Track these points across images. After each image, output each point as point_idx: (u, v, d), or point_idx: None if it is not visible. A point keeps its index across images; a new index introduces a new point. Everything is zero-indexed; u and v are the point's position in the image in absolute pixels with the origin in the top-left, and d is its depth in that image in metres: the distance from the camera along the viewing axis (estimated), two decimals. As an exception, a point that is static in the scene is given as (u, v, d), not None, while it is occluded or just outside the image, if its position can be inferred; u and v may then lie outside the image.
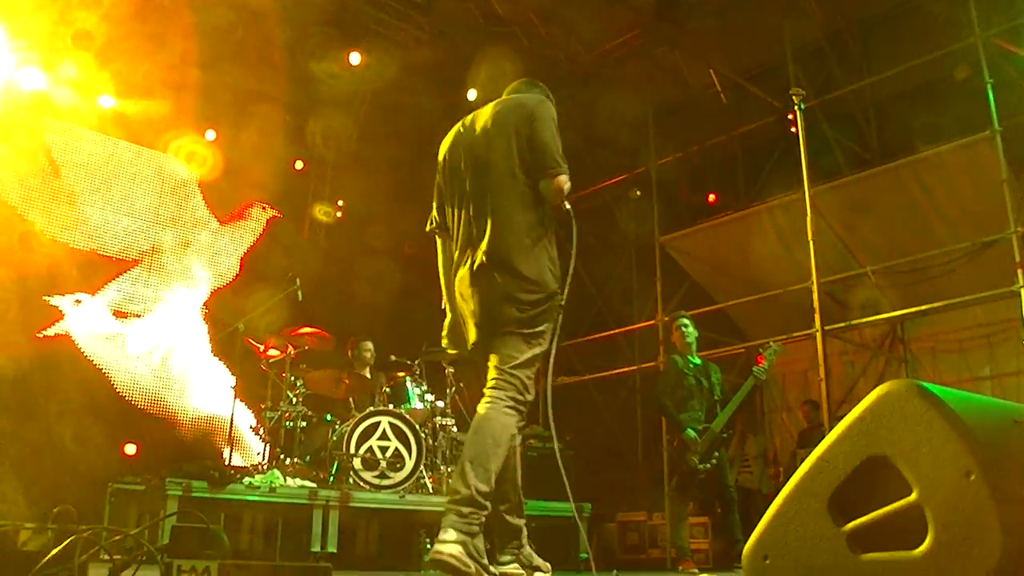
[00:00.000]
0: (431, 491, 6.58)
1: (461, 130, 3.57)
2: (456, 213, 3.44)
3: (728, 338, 10.06)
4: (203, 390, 9.19)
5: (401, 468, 6.48)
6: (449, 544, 2.98)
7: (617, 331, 10.49)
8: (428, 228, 3.61)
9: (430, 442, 6.88)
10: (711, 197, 10.62)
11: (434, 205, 3.57)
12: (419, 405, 7.16)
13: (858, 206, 8.51)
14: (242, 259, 10.11)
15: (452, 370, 7.35)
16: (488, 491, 3.07)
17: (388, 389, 7.25)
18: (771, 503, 2.14)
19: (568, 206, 3.35)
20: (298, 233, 11.06)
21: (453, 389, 7.30)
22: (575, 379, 10.51)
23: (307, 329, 7.03)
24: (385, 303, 9.67)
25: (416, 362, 7.41)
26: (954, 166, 7.76)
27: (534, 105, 3.42)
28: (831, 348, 8.33)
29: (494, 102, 3.56)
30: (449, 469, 6.89)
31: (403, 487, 6.40)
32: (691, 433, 6.32)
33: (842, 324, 8.71)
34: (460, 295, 3.42)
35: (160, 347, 9.24)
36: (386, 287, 9.92)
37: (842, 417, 2.11)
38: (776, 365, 6.65)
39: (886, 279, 8.57)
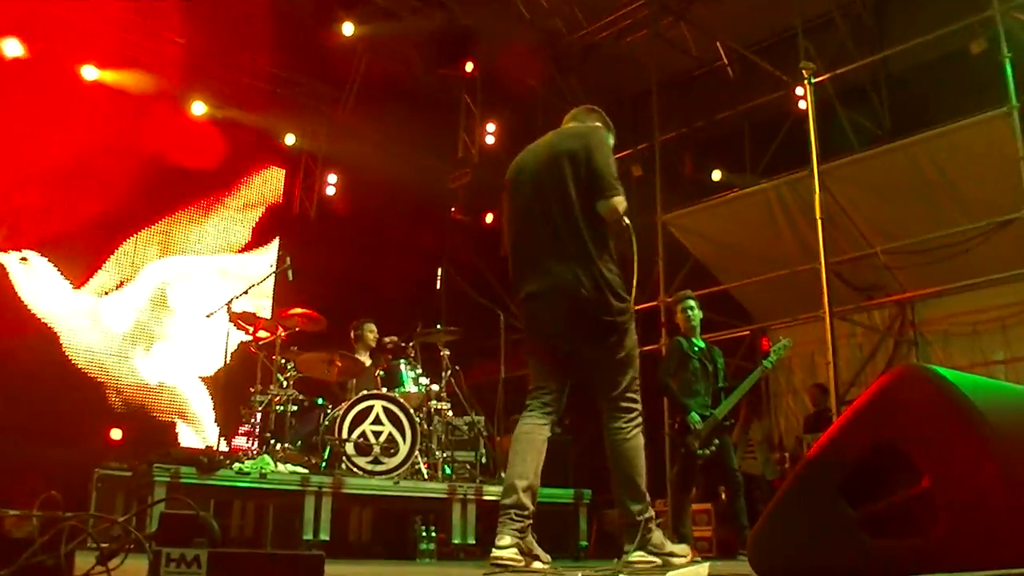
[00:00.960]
0: (426, 477, 6.58)
1: (527, 156, 3.85)
2: (525, 228, 3.72)
3: (732, 320, 10.12)
4: (164, 362, 9.48)
5: (395, 453, 6.48)
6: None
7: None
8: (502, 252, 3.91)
9: (425, 427, 6.87)
10: (716, 174, 10.60)
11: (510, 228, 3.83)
12: (413, 389, 7.14)
13: (869, 184, 8.51)
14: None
15: (447, 352, 7.33)
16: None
17: (382, 372, 7.24)
18: (776, 490, 2.16)
19: (627, 221, 3.64)
20: (288, 210, 11.08)
21: (448, 372, 7.29)
22: None
23: (297, 310, 7.01)
24: (378, 284, 9.81)
25: (411, 344, 7.43)
26: (969, 143, 7.77)
27: (589, 133, 3.74)
28: (839, 330, 8.38)
29: (556, 130, 3.88)
30: (444, 454, 6.93)
31: (397, 473, 6.40)
32: (695, 417, 6.33)
33: (851, 306, 8.82)
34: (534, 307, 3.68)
35: (128, 315, 9.44)
36: (379, 267, 10.04)
37: (851, 402, 2.13)
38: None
39: (897, 260, 8.59)
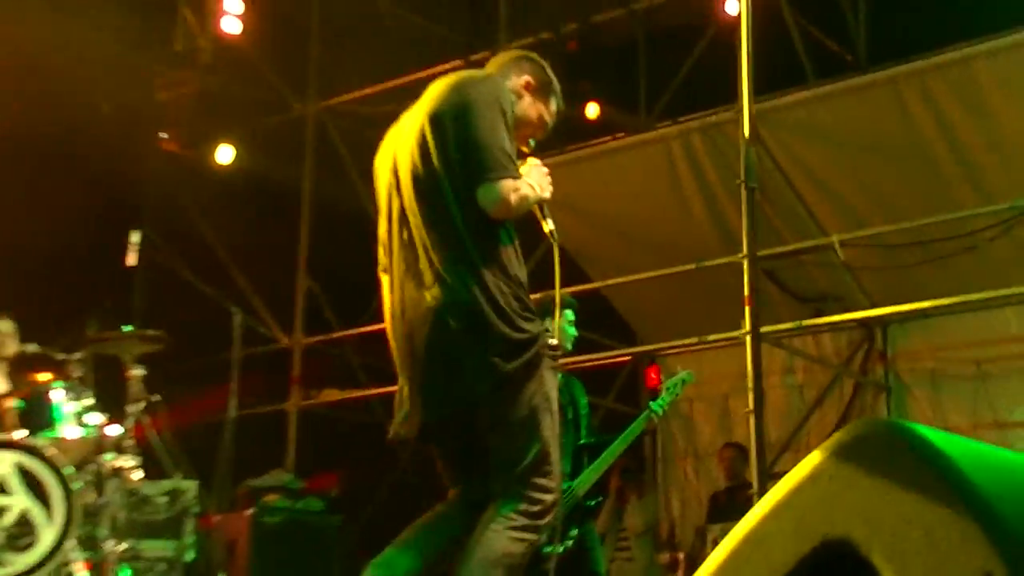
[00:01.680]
0: (87, 587, 6.53)
1: (395, 128, 4.10)
2: (390, 241, 4.00)
3: (606, 339, 10.20)
4: None
5: (30, 546, 6.15)
6: None
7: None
8: (379, 268, 4.14)
9: (91, 499, 6.64)
10: (592, 109, 10.53)
11: (380, 233, 4.10)
12: (75, 432, 6.84)
13: (828, 137, 8.67)
14: None
15: (141, 372, 7.12)
16: None
17: (21, 402, 6.88)
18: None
19: (550, 226, 3.94)
20: None
21: (141, 406, 7.10)
22: (338, 397, 11.25)
23: None
24: (22, 254, 9.55)
25: (75, 356, 7.06)
26: (985, 80, 7.86)
27: (470, 84, 3.92)
28: (771, 362, 8.53)
29: (431, 88, 4.06)
30: (123, 546, 6.76)
31: (33, 581, 6.31)
32: None
33: (789, 325, 8.77)
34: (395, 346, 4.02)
35: None
36: (24, 226, 9.67)
37: (783, 474, 2.14)
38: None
39: (864, 256, 8.68)
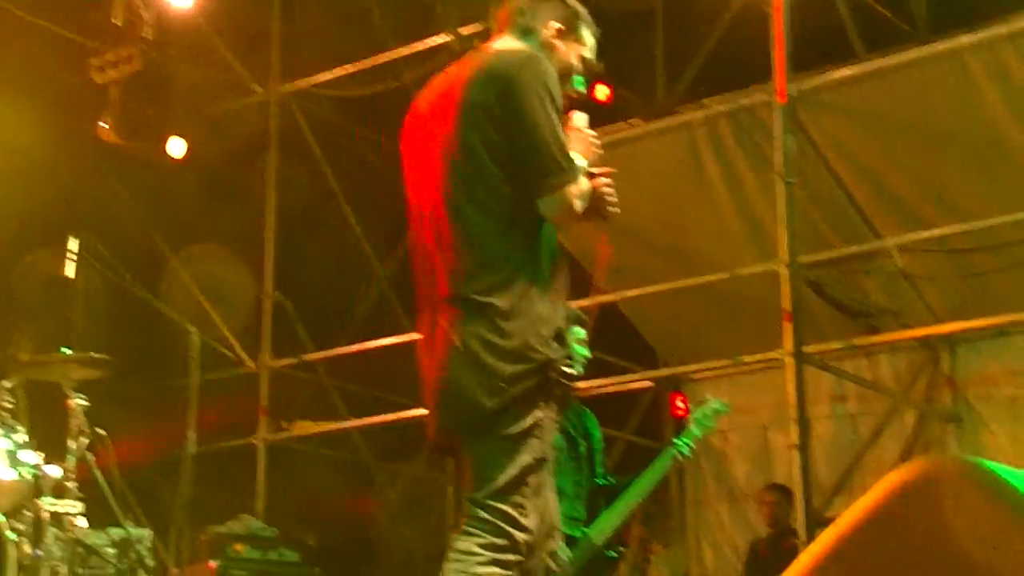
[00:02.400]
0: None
1: (421, 100, 4.12)
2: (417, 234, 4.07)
3: (623, 361, 10.26)
4: None
5: None
6: None
7: (395, 341, 10.66)
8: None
9: (26, 549, 6.66)
10: (602, 91, 10.38)
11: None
12: (8, 473, 6.82)
13: (880, 121, 8.65)
14: None
15: (83, 401, 7.19)
16: None
17: None
18: None
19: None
20: None
21: (84, 441, 7.16)
22: (314, 430, 11.21)
23: None
24: None
25: (8, 385, 7.08)
26: None
27: (512, 67, 3.84)
28: (817, 388, 8.75)
29: (462, 60, 4.09)
30: None
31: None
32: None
33: (838, 344, 8.92)
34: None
35: None
36: None
37: (833, 520, 2.28)
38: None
39: (926, 263, 8.73)
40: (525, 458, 3.76)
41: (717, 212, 9.42)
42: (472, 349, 3.74)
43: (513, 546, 3.69)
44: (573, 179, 3.76)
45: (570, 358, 3.88)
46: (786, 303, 7.53)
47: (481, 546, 3.64)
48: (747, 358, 8.94)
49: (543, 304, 3.81)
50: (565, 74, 3.96)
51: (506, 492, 3.72)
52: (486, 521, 3.68)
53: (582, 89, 4.05)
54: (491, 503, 3.71)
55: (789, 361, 7.58)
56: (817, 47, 8.76)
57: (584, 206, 3.83)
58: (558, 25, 4.00)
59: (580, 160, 3.85)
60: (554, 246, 3.90)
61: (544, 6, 4.10)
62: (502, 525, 3.68)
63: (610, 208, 3.95)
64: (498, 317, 3.75)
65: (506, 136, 3.75)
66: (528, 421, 3.76)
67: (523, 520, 3.71)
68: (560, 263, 3.94)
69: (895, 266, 8.44)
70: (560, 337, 3.85)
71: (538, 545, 3.81)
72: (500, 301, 3.76)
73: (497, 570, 3.66)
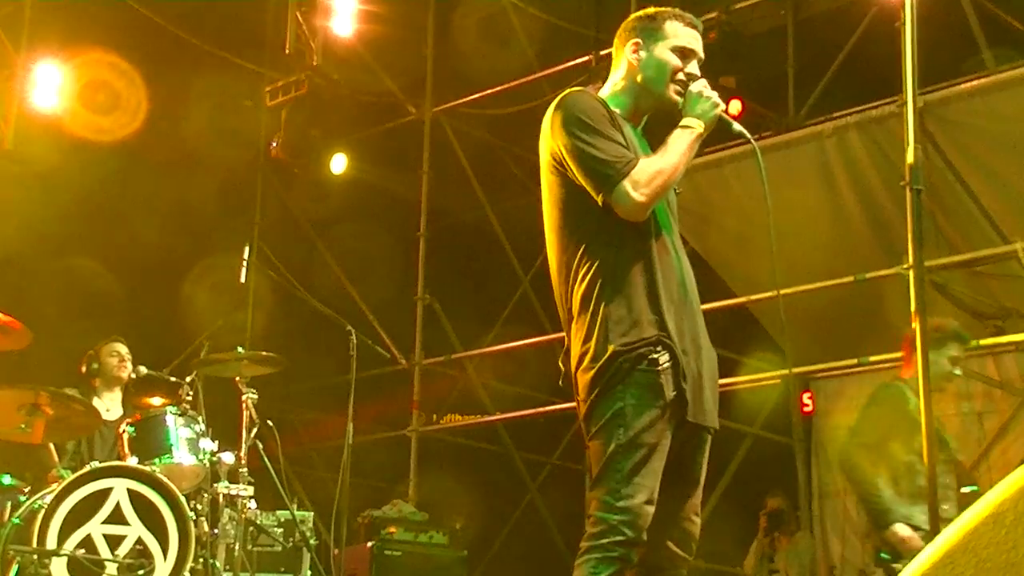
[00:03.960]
0: (205, 623, 6.61)
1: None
2: None
3: (753, 359, 10.16)
4: None
5: (148, 575, 6.29)
6: None
7: (537, 340, 10.88)
8: None
9: (204, 528, 6.83)
10: (734, 106, 9.93)
11: None
12: (189, 460, 7.04)
13: (1009, 130, 8.52)
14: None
15: (254, 396, 7.34)
16: None
17: (130, 429, 7.06)
18: None
19: (737, 128, 4.19)
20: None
21: (255, 430, 7.30)
22: (461, 423, 11.44)
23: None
24: (130, 280, 9.76)
25: (188, 380, 7.36)
26: None
27: (552, 113, 4.05)
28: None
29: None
30: None
31: (148, 615, 6.33)
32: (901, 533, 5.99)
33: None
34: None
35: None
36: (128, 242, 10.06)
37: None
38: (837, 410, 7.07)
39: None
40: (610, 447, 3.78)
41: (846, 218, 9.35)
42: (574, 353, 3.91)
43: (605, 531, 3.70)
44: (619, 176, 3.82)
45: (655, 344, 3.78)
46: (912, 305, 7.19)
47: (587, 537, 3.73)
48: (873, 358, 8.79)
49: (617, 304, 3.85)
50: (661, 76, 3.98)
51: (599, 481, 3.80)
52: (591, 522, 3.75)
53: (695, 71, 3.98)
54: (591, 495, 3.86)
55: (917, 359, 7.36)
56: (945, 57, 8.66)
57: (657, 183, 3.82)
58: (634, 40, 4.03)
59: (697, 121, 3.90)
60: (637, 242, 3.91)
61: (622, 35, 4.15)
62: (598, 513, 3.73)
63: (716, 106, 3.91)
64: (578, 319, 3.91)
65: (571, 167, 3.92)
66: (607, 412, 3.81)
67: (618, 504, 3.70)
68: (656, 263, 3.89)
69: (1022, 269, 8.30)
70: (639, 327, 3.81)
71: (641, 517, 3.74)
72: (577, 304, 3.92)
73: (593, 558, 3.68)
